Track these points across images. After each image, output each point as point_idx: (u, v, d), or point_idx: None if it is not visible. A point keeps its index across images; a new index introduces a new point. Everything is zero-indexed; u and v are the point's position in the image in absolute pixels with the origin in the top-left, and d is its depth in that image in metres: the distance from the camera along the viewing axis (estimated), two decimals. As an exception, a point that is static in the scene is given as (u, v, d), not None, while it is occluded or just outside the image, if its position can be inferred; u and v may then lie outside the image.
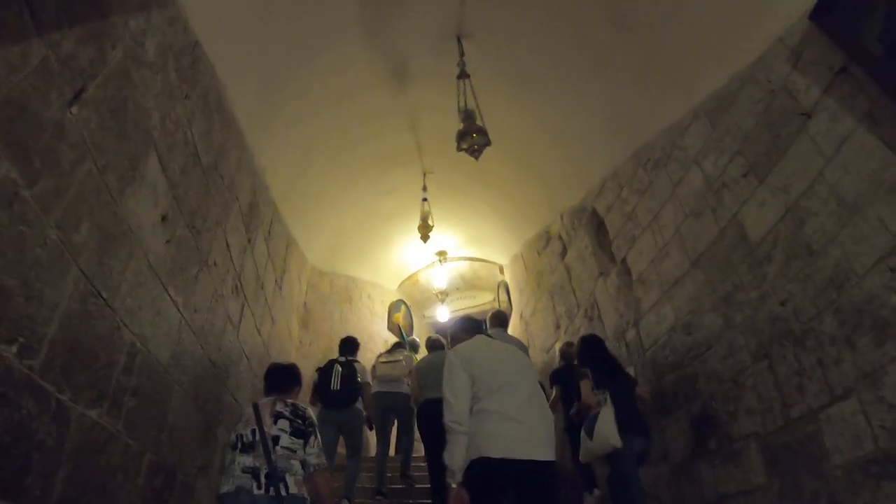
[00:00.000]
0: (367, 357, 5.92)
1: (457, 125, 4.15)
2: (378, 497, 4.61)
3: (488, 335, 2.89)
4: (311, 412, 2.71)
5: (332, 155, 5.51)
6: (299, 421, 2.59)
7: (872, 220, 2.10)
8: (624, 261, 4.42)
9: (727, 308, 3.04)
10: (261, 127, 4.08)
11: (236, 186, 3.78)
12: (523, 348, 4.39)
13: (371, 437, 5.26)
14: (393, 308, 9.48)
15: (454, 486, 2.18)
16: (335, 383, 4.51)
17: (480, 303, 10.16)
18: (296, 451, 2.50)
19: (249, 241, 4.21)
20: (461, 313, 7.29)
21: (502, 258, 8.62)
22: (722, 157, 3.11)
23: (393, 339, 9.01)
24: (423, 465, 4.84)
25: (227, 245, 3.62)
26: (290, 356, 5.57)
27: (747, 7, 2.76)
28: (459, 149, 4.13)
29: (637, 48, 3.58)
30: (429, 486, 4.30)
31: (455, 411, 2.27)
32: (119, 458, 2.21)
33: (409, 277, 10.08)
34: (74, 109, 1.81)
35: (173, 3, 2.57)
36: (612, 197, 4.67)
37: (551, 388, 4.59)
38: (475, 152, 4.09)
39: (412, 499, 4.80)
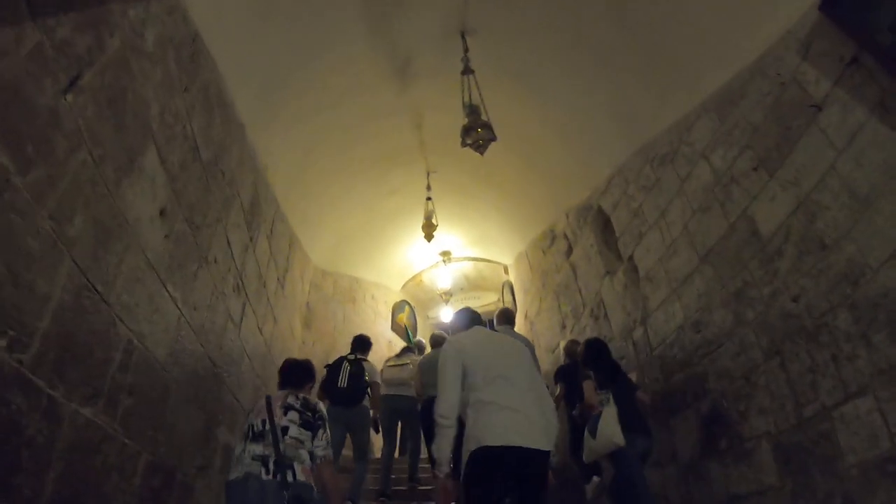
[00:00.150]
0: (371, 358, 5.86)
1: (460, 124, 4.08)
2: (382, 499, 4.56)
3: (493, 329, 2.86)
4: (323, 407, 2.79)
5: (334, 155, 5.48)
6: (309, 413, 2.68)
7: (886, 213, 2.05)
8: (631, 258, 4.36)
9: (738, 305, 2.99)
10: (261, 127, 4.05)
11: (237, 183, 3.74)
12: (529, 345, 4.34)
13: (378, 439, 5.22)
14: (397, 309, 9.43)
15: (440, 476, 2.28)
16: (342, 380, 4.46)
17: (485, 303, 10.11)
18: (304, 442, 2.59)
19: (251, 238, 4.17)
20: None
21: (507, 258, 8.58)
22: (731, 150, 3.06)
23: (397, 339, 8.97)
24: (428, 465, 4.78)
25: (228, 242, 3.57)
26: (293, 356, 5.50)
27: (748, 6, 2.74)
28: (464, 144, 4.05)
29: (639, 47, 3.58)
30: (432, 487, 4.24)
31: (442, 405, 2.28)
32: (115, 457, 2.16)
33: (413, 278, 10.05)
34: (70, 97, 1.77)
35: (171, -7, 2.54)
36: (617, 194, 4.62)
37: (556, 384, 4.57)
38: (480, 147, 4.00)
39: (416, 501, 4.74)
